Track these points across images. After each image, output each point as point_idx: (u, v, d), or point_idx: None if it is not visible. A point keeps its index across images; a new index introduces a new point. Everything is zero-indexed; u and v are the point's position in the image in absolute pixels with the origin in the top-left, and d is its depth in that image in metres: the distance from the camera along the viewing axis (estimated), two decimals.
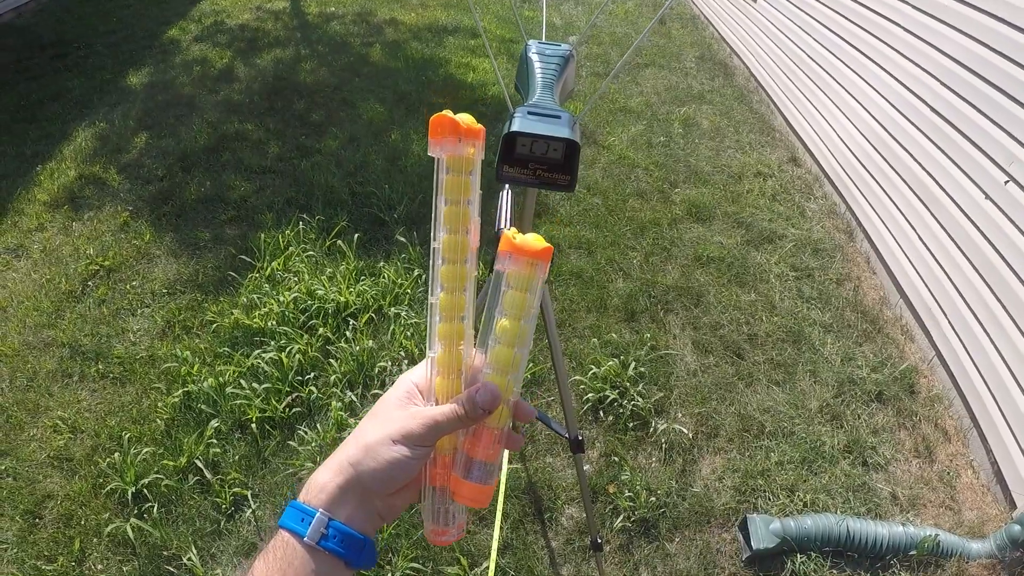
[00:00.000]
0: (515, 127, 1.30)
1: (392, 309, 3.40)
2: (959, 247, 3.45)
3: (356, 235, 3.82)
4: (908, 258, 3.87)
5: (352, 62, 6.51)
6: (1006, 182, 3.17)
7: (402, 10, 8.16)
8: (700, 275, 4.00)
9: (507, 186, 1.56)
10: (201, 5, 7.91)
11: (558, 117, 1.33)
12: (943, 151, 3.67)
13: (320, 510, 0.62)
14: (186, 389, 2.99)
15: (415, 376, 0.70)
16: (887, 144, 4.22)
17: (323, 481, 0.64)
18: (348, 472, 0.63)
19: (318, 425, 2.89)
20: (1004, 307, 3.10)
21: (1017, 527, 2.63)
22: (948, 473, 3.07)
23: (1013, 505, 2.85)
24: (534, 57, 1.60)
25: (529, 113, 1.34)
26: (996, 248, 3.19)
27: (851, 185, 4.60)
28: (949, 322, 3.45)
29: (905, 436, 3.20)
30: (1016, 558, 2.64)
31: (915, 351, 3.67)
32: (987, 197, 3.29)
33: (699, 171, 5.07)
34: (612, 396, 3.10)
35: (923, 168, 3.82)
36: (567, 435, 1.98)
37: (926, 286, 3.67)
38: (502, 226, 1.45)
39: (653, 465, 2.93)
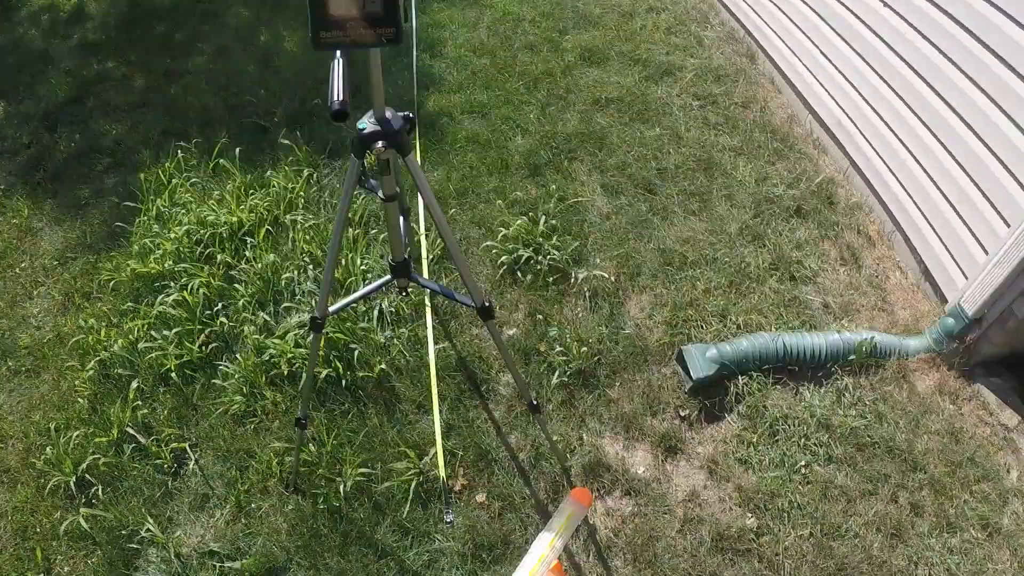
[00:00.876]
0: None
1: (288, 217, 3.25)
2: (862, 57, 3.41)
3: (238, 149, 3.60)
4: (812, 74, 3.82)
5: None
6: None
7: None
8: (600, 118, 3.90)
9: (338, 54, 1.40)
10: None
11: None
12: None
13: None
14: (99, 358, 2.84)
15: None
16: None
17: None
18: None
19: (237, 355, 2.79)
20: (912, 110, 3.07)
21: (950, 320, 2.70)
22: (877, 276, 3.10)
23: (944, 299, 2.89)
24: None
25: None
26: (899, 54, 3.15)
27: (747, 9, 4.48)
28: (861, 132, 3.44)
29: (829, 246, 3.21)
30: (953, 349, 2.70)
31: (829, 163, 3.67)
32: (886, 5, 3.23)
33: (588, 15, 4.87)
34: (527, 255, 3.03)
35: None
36: (474, 304, 1.88)
37: (834, 100, 3.64)
38: (336, 98, 1.30)
39: (580, 315, 2.89)
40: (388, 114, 1.49)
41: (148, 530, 2.36)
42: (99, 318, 3.04)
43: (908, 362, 2.73)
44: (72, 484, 2.51)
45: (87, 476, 2.53)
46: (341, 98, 1.30)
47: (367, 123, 1.48)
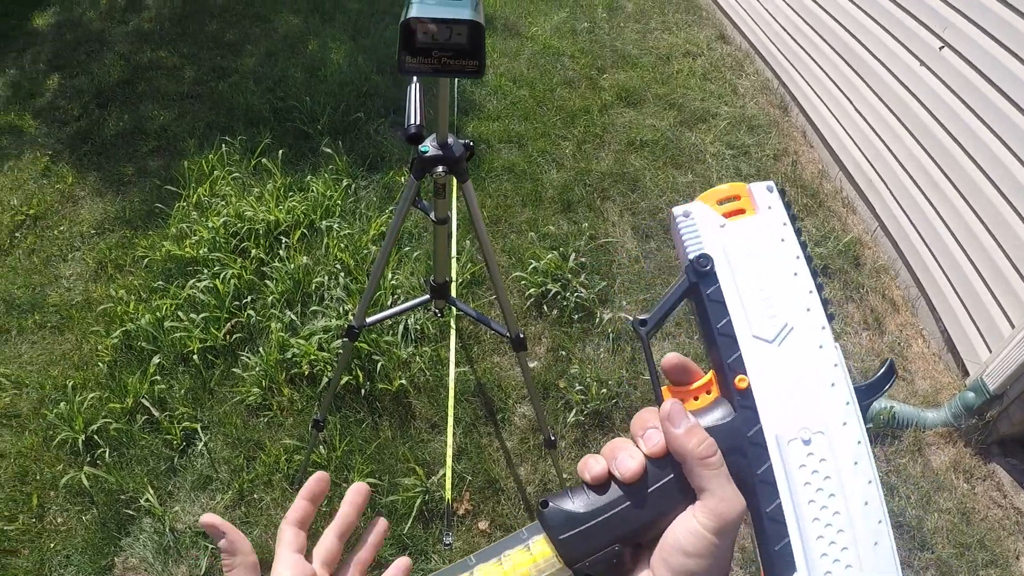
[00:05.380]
0: (412, 12, 1.22)
1: (324, 222, 3.30)
2: (897, 116, 3.40)
3: (281, 151, 3.68)
4: (845, 130, 3.82)
5: None
6: (941, 48, 3.12)
7: None
8: (635, 159, 3.94)
9: (415, 79, 1.47)
10: None
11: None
12: (875, 20, 3.60)
13: None
14: (124, 328, 2.91)
15: None
16: (817, 16, 4.14)
17: None
18: None
19: (260, 348, 2.83)
20: (945, 174, 3.06)
21: (971, 394, 2.64)
22: (899, 343, 3.08)
23: (966, 372, 2.84)
24: None
25: None
26: (934, 115, 3.14)
27: (782, 59, 4.52)
28: (891, 192, 3.42)
29: (853, 309, 3.20)
30: (971, 425, 2.66)
31: (858, 223, 3.66)
32: (922, 64, 3.24)
33: (626, 55, 4.95)
34: (555, 289, 3.07)
35: (855, 38, 3.76)
36: (507, 334, 1.93)
37: (865, 157, 3.63)
38: (412, 122, 1.37)
39: (602, 356, 2.92)
40: (450, 140, 1.55)
41: (147, 500, 2.41)
42: (129, 291, 3.11)
43: (924, 435, 2.70)
44: (80, 442, 2.57)
45: (95, 437, 2.58)
46: (417, 122, 1.37)
47: (430, 147, 1.54)
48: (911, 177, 3.29)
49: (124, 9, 5.61)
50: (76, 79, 4.69)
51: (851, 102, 3.79)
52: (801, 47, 4.29)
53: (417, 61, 1.27)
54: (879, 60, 3.56)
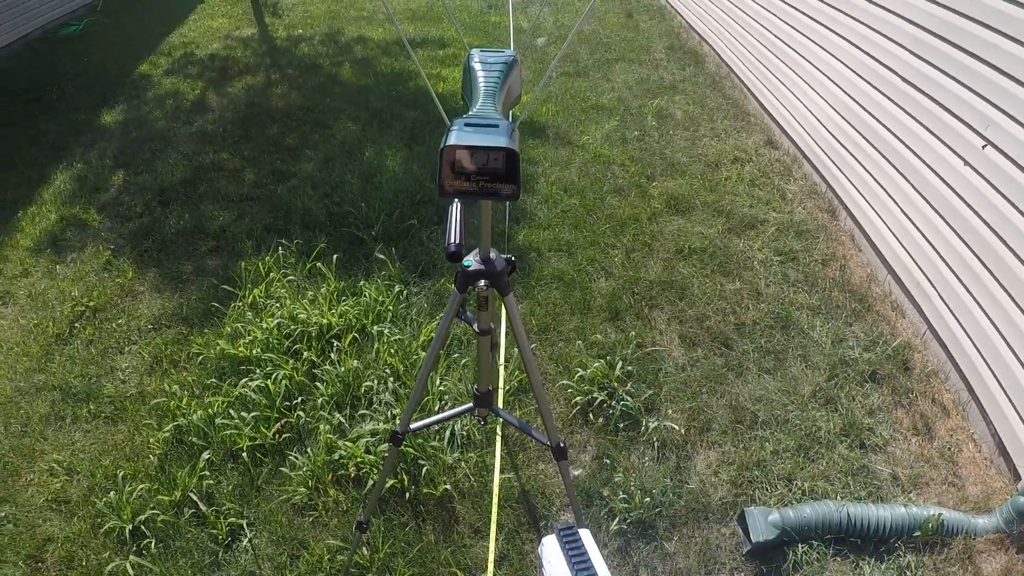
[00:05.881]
0: (451, 140, 1.30)
1: (375, 327, 3.38)
2: (943, 217, 3.40)
3: (335, 256, 3.82)
4: (893, 233, 3.82)
5: (323, 83, 6.52)
6: (984, 146, 3.13)
7: (369, 27, 8.17)
8: (683, 267, 3.98)
9: (455, 200, 1.54)
10: (170, 39, 7.91)
11: (496, 126, 1.32)
12: (918, 120, 3.64)
13: None
14: (176, 423, 2.99)
15: None
16: (862, 119, 4.19)
17: None
18: None
19: (308, 449, 2.88)
20: (993, 275, 3.05)
21: (1023, 499, 2.57)
22: (949, 448, 3.02)
23: (1018, 477, 2.80)
24: (476, 66, 1.60)
25: (466, 125, 1.33)
26: (980, 215, 3.14)
27: (830, 163, 4.57)
28: (939, 295, 3.40)
29: (902, 414, 3.16)
30: None
31: (907, 327, 3.63)
32: (966, 164, 3.25)
33: (675, 162, 5.05)
34: (601, 397, 3.08)
35: (899, 140, 3.79)
36: (548, 443, 1.97)
37: (913, 260, 3.63)
38: (452, 240, 1.44)
39: (646, 464, 2.91)
40: (492, 255, 1.61)
41: None
42: (183, 386, 3.21)
43: (975, 542, 2.62)
44: (127, 531, 2.62)
45: (143, 528, 2.63)
46: (457, 241, 1.42)
47: (472, 262, 1.60)
48: (958, 278, 3.27)
49: (189, 110, 5.96)
50: (140, 176, 4.96)
51: (898, 204, 3.79)
52: (847, 150, 4.33)
53: (458, 184, 1.34)
54: (924, 161, 3.57)
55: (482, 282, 1.60)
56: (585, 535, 0.73)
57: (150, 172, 4.98)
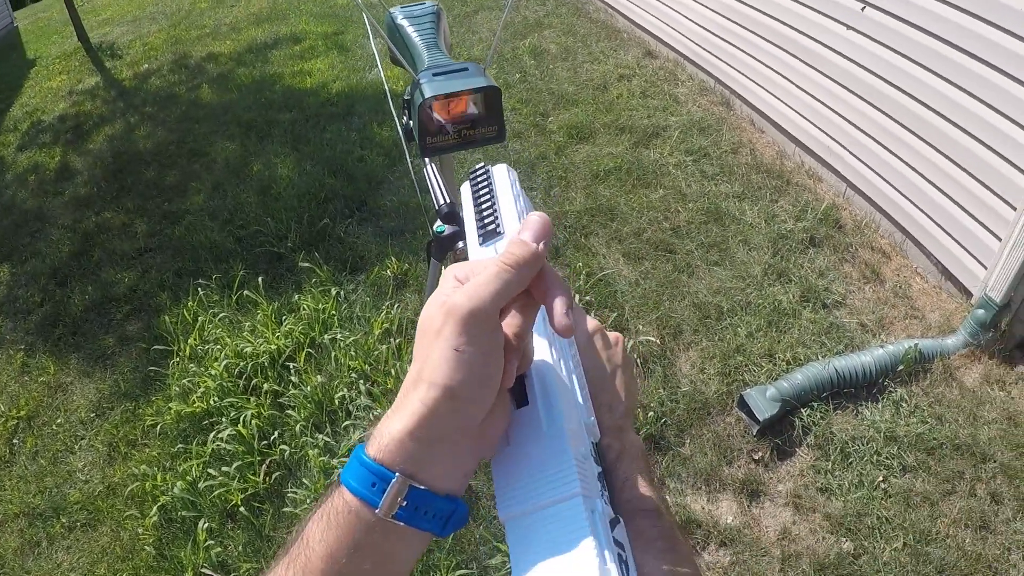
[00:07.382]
0: (428, 92, 1.22)
1: (325, 337, 3.26)
2: (837, 82, 3.54)
3: (260, 279, 3.63)
4: (793, 108, 3.95)
5: (185, 111, 6.16)
6: (863, 8, 3.26)
7: (215, 42, 7.75)
8: (604, 190, 4.00)
9: (428, 160, 1.46)
10: (12, 112, 7.32)
11: (465, 69, 1.27)
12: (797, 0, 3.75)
13: (397, 472, 0.47)
14: (159, 503, 2.80)
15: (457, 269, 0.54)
16: (738, 10, 4.27)
17: (395, 430, 0.47)
18: (421, 412, 0.47)
19: (303, 480, 2.75)
20: (895, 120, 3.21)
21: (980, 311, 2.79)
22: (900, 287, 3.19)
23: (968, 294, 2.98)
24: (404, 23, 1.54)
25: (435, 75, 1.26)
26: (873, 72, 3.28)
27: (716, 61, 4.65)
28: (850, 152, 3.56)
29: (849, 268, 3.30)
30: (989, 338, 2.79)
31: (826, 189, 3.79)
32: (849, 28, 3.38)
33: (564, 94, 5.05)
34: None
35: (782, 23, 3.89)
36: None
37: (818, 128, 3.77)
38: (443, 201, 1.37)
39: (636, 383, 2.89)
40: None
41: None
42: (151, 463, 3.00)
43: (951, 360, 2.80)
44: None
45: None
46: (449, 200, 1.37)
47: (445, 227, 1.51)
48: (865, 132, 3.42)
49: (55, 180, 5.54)
50: (27, 264, 4.59)
51: (791, 81, 3.91)
52: (733, 45, 4.42)
53: (438, 140, 1.28)
54: (809, 36, 3.69)
55: (460, 243, 1.50)
56: (499, 171, 0.62)
57: (35, 257, 4.62)
